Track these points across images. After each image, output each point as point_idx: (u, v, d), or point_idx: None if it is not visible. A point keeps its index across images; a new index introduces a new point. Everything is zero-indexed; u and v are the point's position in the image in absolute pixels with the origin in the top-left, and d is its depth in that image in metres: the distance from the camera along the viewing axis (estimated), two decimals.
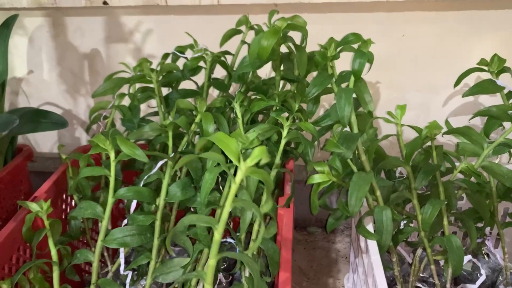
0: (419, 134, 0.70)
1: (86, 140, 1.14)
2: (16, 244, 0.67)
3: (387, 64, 0.95)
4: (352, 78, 0.67)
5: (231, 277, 0.79)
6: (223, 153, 0.72)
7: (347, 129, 0.69)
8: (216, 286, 0.73)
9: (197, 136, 0.78)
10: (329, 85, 0.71)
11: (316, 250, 1.01)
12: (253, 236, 0.67)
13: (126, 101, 0.82)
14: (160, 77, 0.79)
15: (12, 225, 0.66)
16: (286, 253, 0.59)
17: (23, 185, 0.89)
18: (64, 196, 0.79)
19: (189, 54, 0.81)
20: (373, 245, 0.62)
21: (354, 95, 0.66)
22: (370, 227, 0.65)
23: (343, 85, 0.71)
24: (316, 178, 0.64)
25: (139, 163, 0.78)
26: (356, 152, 0.67)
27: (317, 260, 0.97)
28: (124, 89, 0.83)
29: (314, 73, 0.76)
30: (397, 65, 0.98)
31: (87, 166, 0.73)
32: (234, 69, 0.83)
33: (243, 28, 0.82)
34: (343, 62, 0.72)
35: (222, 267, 0.78)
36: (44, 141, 1.18)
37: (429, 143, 0.70)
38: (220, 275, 0.75)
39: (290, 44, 0.73)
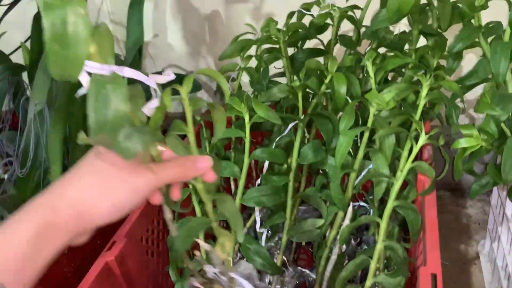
0: None
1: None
2: (151, 217, 0.72)
3: None
4: (508, 30, 0.59)
5: (359, 238, 0.79)
6: (356, 115, 0.71)
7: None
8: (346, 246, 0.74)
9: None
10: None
11: (444, 215, 0.96)
12: (390, 201, 0.65)
13: (252, 63, 0.83)
14: (286, 37, 0.78)
15: None
16: (432, 218, 0.57)
17: None
18: None
19: (315, 11, 0.79)
20: None
21: None
22: None
23: (490, 39, 0.64)
24: (463, 143, 0.59)
25: (267, 124, 0.79)
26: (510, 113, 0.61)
27: (446, 225, 0.93)
28: (250, 51, 0.83)
29: (454, 27, 0.69)
30: None
31: None
32: (363, 24, 0.78)
33: None
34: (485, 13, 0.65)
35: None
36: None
37: None
38: (351, 236, 0.75)
39: None
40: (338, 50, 0.87)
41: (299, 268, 0.75)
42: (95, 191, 0.32)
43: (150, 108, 0.37)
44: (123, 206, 0.33)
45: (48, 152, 0.72)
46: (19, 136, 0.75)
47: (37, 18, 0.85)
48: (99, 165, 0.33)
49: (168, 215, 0.44)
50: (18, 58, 0.91)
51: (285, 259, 0.72)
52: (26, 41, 0.90)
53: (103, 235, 0.63)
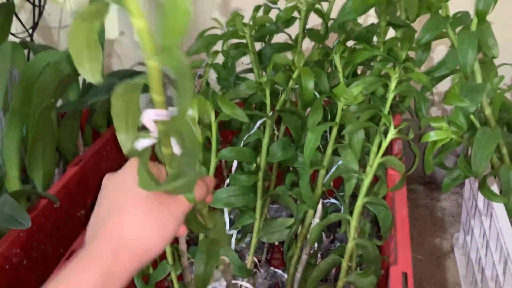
0: None
1: None
2: None
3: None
4: (475, 20, 0.58)
5: (332, 236, 0.78)
6: (324, 110, 0.69)
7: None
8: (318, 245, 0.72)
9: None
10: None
11: (419, 209, 0.95)
12: (360, 197, 0.63)
13: (219, 59, 0.80)
14: (253, 32, 0.76)
15: None
16: (402, 215, 0.55)
17: None
18: None
19: (281, 4, 0.77)
20: (500, 208, 0.56)
21: None
22: (495, 189, 0.59)
23: (458, 29, 0.63)
24: (432, 136, 0.58)
25: (236, 122, 0.77)
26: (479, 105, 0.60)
27: (421, 219, 0.92)
28: (216, 46, 0.80)
29: (423, 18, 0.68)
30: None
31: None
32: (331, 17, 0.77)
33: None
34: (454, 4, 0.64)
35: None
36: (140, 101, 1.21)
37: None
38: (323, 235, 0.73)
39: None
40: (308, 44, 0.85)
41: (271, 268, 0.73)
42: (150, 230, 0.33)
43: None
44: (172, 237, 0.34)
45: (4, 158, 0.68)
46: None
47: None
48: (148, 203, 0.33)
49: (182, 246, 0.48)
50: None
51: (256, 260, 0.70)
52: None
53: (68, 244, 0.60)
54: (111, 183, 0.35)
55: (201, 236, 0.64)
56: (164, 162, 0.36)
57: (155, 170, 0.36)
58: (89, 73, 0.30)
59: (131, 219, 0.32)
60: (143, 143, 0.35)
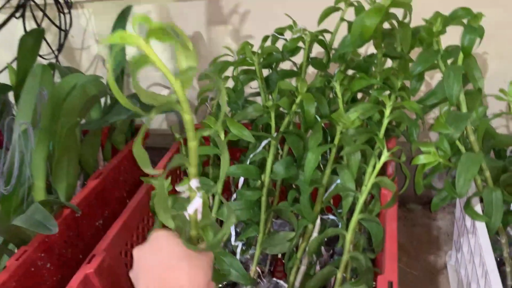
0: None
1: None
2: (142, 215, 0.76)
3: (496, 34, 0.89)
4: (461, 55, 0.64)
5: (332, 250, 0.83)
6: (324, 132, 0.75)
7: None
8: (317, 257, 0.77)
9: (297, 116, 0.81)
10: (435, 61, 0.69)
11: (416, 227, 1.00)
12: (355, 214, 0.69)
13: (229, 83, 0.87)
14: (261, 59, 0.83)
15: (138, 198, 0.75)
16: (392, 230, 0.60)
17: None
18: (178, 172, 0.88)
19: (288, 35, 0.83)
20: (481, 227, 0.61)
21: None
22: (478, 208, 0.64)
23: (449, 61, 0.69)
24: (422, 159, 0.63)
25: (243, 141, 0.83)
26: (464, 131, 0.66)
27: (417, 237, 0.97)
28: (227, 72, 0.87)
29: (417, 49, 0.74)
30: (507, 35, 0.90)
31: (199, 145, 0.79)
32: (333, 47, 0.83)
33: (341, 5, 0.81)
34: (446, 36, 0.69)
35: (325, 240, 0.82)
36: (154, 119, 1.28)
37: None
38: (322, 248, 0.78)
39: (393, 21, 0.71)
40: (312, 71, 0.91)
41: (274, 279, 0.78)
42: (190, 277, 0.39)
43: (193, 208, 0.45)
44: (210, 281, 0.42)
45: (32, 170, 0.75)
46: (3, 154, 0.78)
47: (23, 39, 0.89)
48: (189, 258, 0.40)
49: None
50: (5, 78, 0.95)
51: (259, 271, 0.76)
52: (12, 61, 0.93)
53: (87, 250, 0.66)
54: (145, 253, 0.42)
55: None
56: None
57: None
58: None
59: (183, 270, 0.39)
60: (194, 205, 0.45)
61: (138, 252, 0.43)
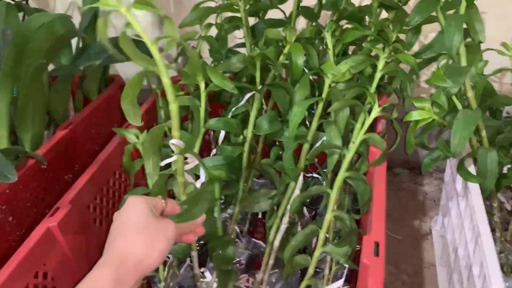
0: None
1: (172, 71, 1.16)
2: (113, 168, 0.71)
3: None
4: (464, 3, 0.59)
5: (314, 211, 0.79)
6: (312, 86, 0.70)
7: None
8: (299, 218, 0.74)
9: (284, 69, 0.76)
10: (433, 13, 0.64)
11: (401, 192, 0.97)
12: (341, 172, 0.65)
13: (212, 32, 0.81)
14: (247, 6, 0.76)
15: (109, 150, 0.70)
16: (380, 190, 0.57)
17: (116, 113, 0.93)
18: (154, 125, 0.82)
19: None
20: (474, 188, 0.58)
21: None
22: (472, 169, 0.60)
23: (449, 12, 0.64)
24: (415, 115, 0.59)
25: (225, 96, 0.78)
26: (462, 87, 0.61)
27: (403, 202, 0.94)
28: (211, 19, 0.81)
29: (415, 1, 0.68)
30: None
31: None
32: None
33: None
34: None
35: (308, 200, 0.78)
36: (132, 72, 1.21)
37: None
38: (305, 209, 0.75)
39: None
40: (302, 26, 0.86)
41: (252, 239, 0.75)
42: (148, 246, 0.42)
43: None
44: (165, 253, 0.44)
45: None
46: None
47: None
48: (146, 228, 0.43)
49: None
50: None
51: (238, 230, 0.72)
52: None
53: (54, 205, 0.61)
54: (118, 218, 0.44)
55: None
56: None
57: (159, 203, 0.46)
58: (134, 121, 0.43)
59: (134, 238, 0.42)
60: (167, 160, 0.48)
61: (115, 216, 0.45)
